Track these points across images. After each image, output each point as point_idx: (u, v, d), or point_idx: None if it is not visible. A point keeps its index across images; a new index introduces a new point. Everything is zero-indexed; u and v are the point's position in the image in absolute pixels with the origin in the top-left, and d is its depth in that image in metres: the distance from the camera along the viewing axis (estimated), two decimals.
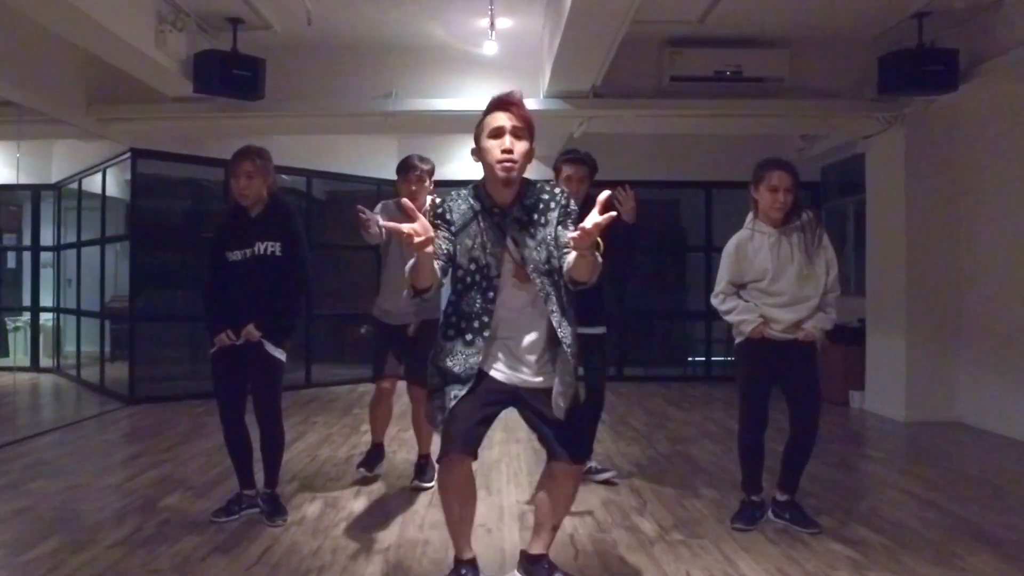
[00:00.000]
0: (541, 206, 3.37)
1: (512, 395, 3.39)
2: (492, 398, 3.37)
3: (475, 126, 3.43)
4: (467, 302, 3.35)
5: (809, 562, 4.08)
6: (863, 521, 4.78)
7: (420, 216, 3.05)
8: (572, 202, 3.42)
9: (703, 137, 10.50)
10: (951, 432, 7.69)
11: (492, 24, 7.22)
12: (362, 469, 5.75)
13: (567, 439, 3.36)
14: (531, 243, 3.32)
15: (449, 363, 3.35)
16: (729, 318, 4.71)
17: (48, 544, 4.28)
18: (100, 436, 7.54)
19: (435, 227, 3.29)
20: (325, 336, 11.86)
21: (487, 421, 3.40)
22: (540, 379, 3.37)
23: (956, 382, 8.24)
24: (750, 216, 4.76)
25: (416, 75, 8.28)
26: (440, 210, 3.39)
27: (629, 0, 5.79)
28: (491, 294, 3.32)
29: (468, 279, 3.36)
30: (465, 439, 3.29)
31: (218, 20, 7.38)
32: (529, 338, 3.37)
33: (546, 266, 3.32)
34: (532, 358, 3.38)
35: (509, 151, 3.26)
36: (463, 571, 3.53)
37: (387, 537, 4.46)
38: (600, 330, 5.40)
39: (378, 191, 10.50)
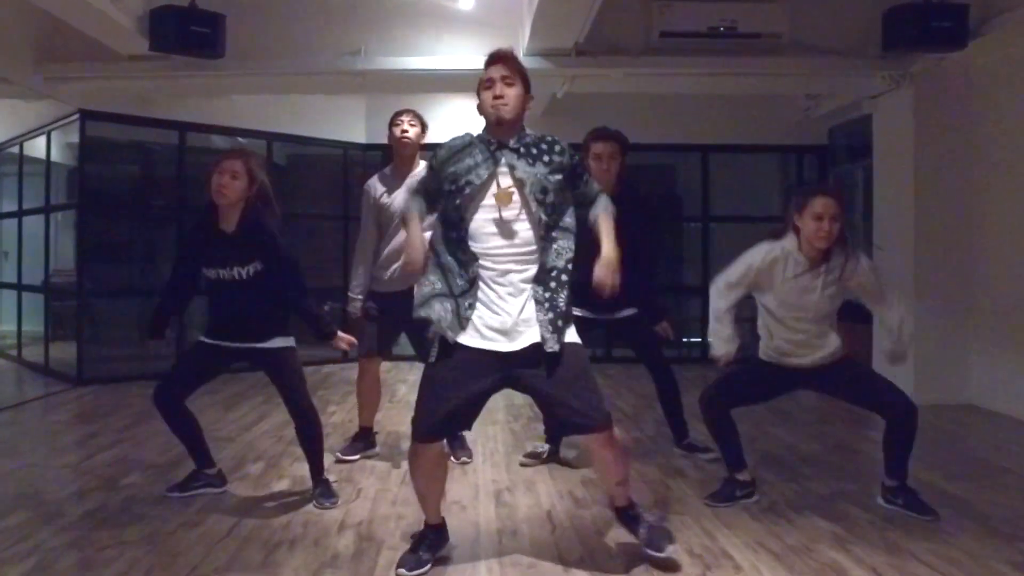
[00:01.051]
0: (543, 147, 4.00)
1: (501, 371, 3.89)
2: (475, 371, 3.87)
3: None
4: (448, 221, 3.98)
5: (791, 536, 4.52)
6: (853, 500, 5.20)
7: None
8: (576, 159, 4.09)
9: (699, 97, 10.78)
10: (962, 414, 8.09)
11: None
12: (338, 454, 6.16)
13: (579, 409, 3.89)
14: (527, 168, 3.92)
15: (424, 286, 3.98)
16: (711, 322, 5.14)
17: (14, 518, 4.71)
18: (49, 417, 7.98)
19: (426, 190, 4.12)
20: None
21: (471, 402, 3.94)
22: (523, 335, 3.87)
23: (968, 362, 8.56)
24: (792, 242, 4.95)
25: (387, 31, 8.60)
26: (430, 162, 4.11)
27: None
28: (469, 208, 3.90)
29: (453, 199, 3.92)
30: (429, 430, 3.98)
31: None
32: (512, 274, 3.91)
33: (540, 195, 3.88)
34: (513, 300, 3.89)
35: (499, 96, 3.90)
36: (428, 535, 4.15)
37: (359, 513, 4.91)
38: (631, 312, 6.00)
39: (344, 155, 10.86)
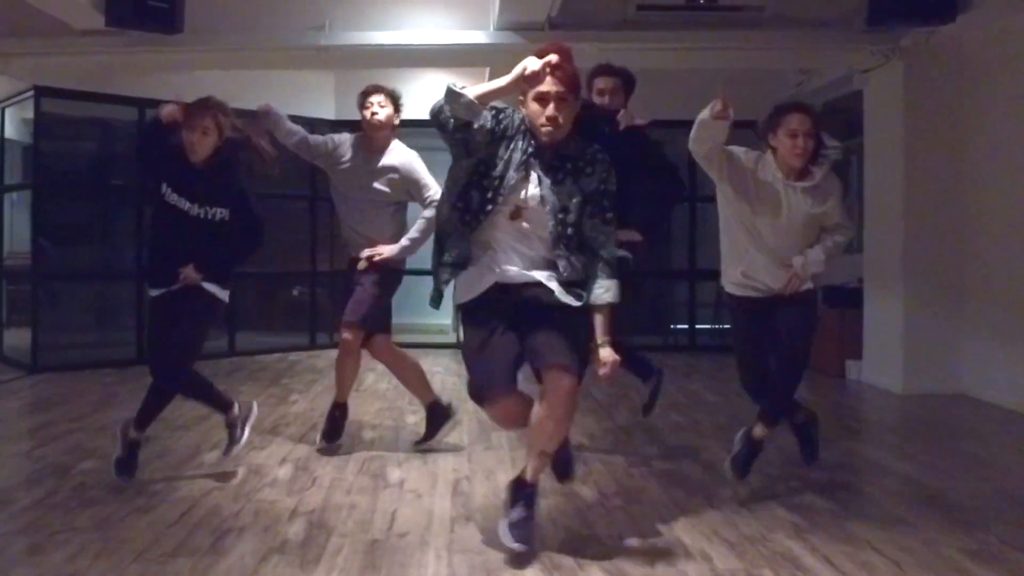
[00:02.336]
0: (580, 163, 4.24)
1: (514, 305, 4.27)
2: (499, 315, 4.28)
3: (519, 75, 4.11)
4: (471, 196, 4.24)
5: (748, 526, 4.80)
6: (818, 490, 5.47)
7: None
8: (611, 180, 4.28)
9: (687, 71, 11.02)
10: (951, 405, 8.40)
11: None
12: (323, 441, 6.44)
13: (552, 344, 4.18)
14: (554, 187, 4.19)
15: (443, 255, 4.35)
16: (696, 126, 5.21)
17: None
18: (2, 405, 8.27)
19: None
20: (252, 299, 12.38)
21: (508, 349, 4.28)
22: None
23: (959, 350, 8.83)
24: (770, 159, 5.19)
25: (352, 4, 8.84)
26: (497, 112, 4.21)
27: None
28: (494, 196, 4.19)
29: (478, 180, 4.22)
30: (498, 381, 4.22)
31: None
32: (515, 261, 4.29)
33: (560, 214, 4.19)
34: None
35: (552, 117, 4.08)
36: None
37: (312, 501, 5.19)
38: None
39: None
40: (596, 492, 5.45)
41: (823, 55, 9.48)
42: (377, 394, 8.61)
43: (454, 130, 4.09)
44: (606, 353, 4.28)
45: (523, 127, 4.22)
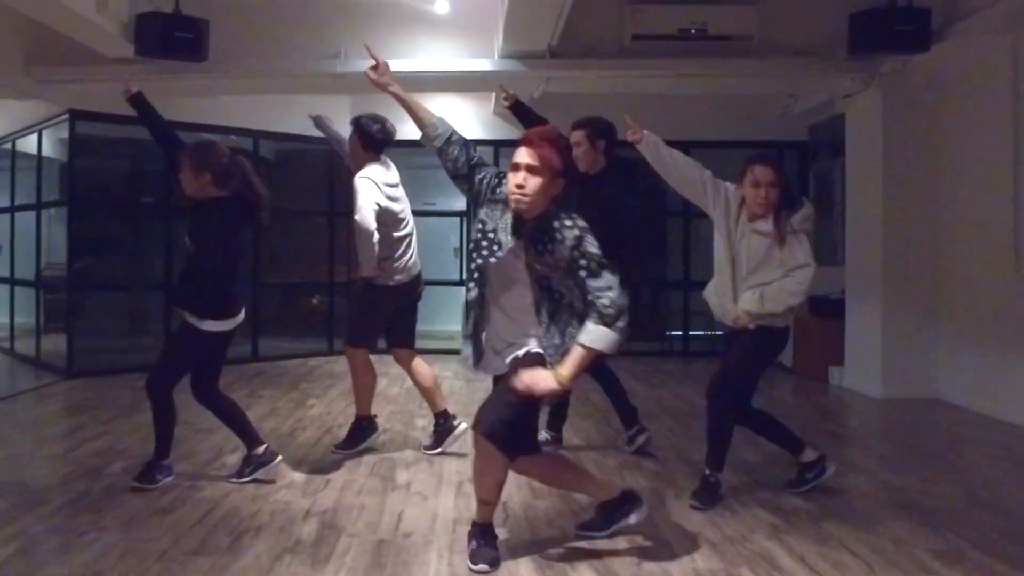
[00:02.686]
0: (550, 233, 4.10)
1: None
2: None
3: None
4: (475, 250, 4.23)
5: (730, 526, 4.85)
6: (798, 492, 5.50)
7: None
8: (584, 244, 4.08)
9: (681, 95, 11.05)
10: (926, 409, 8.41)
11: None
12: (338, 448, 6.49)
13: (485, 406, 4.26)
14: (537, 257, 4.12)
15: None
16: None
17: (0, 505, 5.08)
18: (38, 409, 8.37)
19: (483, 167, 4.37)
20: (275, 307, 12.52)
21: None
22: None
23: (935, 358, 8.90)
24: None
25: (366, 34, 8.77)
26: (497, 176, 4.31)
27: None
28: (493, 249, 4.16)
29: (479, 238, 4.22)
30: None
31: None
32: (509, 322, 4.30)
33: (544, 281, 4.16)
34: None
35: (520, 186, 4.02)
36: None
37: (325, 502, 5.23)
38: None
39: (330, 152, 11.15)
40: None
41: (807, 81, 9.52)
42: (389, 398, 8.63)
43: (453, 178, 4.41)
44: (538, 375, 4.04)
45: (504, 199, 4.21)
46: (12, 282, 11.74)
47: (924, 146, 8.94)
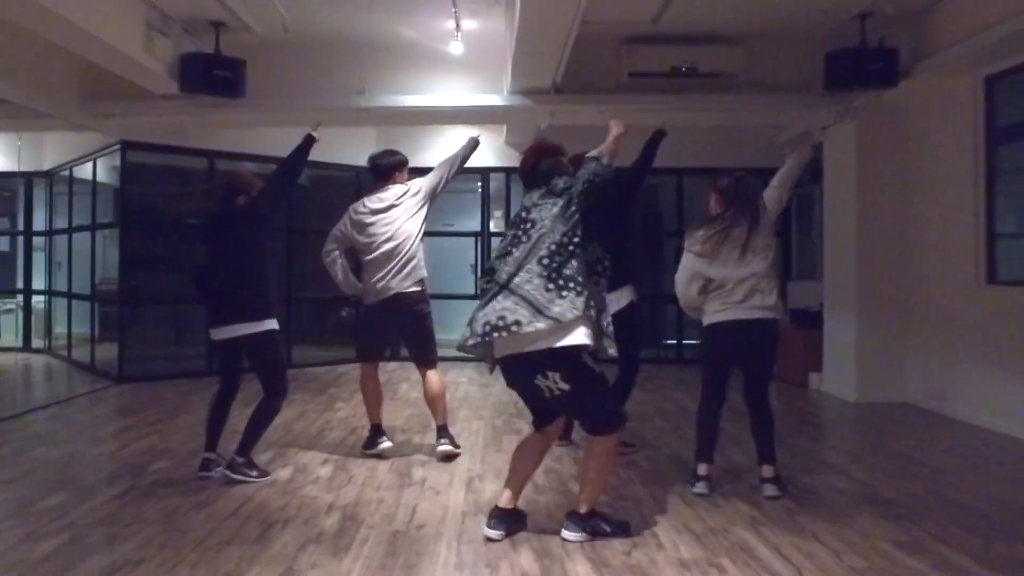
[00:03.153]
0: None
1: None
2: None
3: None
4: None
5: (713, 519, 4.87)
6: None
7: None
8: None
9: (674, 126, 11.07)
10: (897, 412, 8.40)
11: (457, 25, 8.01)
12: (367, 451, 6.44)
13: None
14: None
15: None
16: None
17: (53, 499, 5.16)
18: (92, 411, 8.43)
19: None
20: (307, 319, 12.57)
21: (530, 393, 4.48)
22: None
23: (905, 365, 8.90)
24: None
25: (388, 72, 9.03)
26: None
27: (574, 5, 6.48)
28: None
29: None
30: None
31: (202, 24, 8.12)
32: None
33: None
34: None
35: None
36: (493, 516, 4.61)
37: (347, 496, 5.29)
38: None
39: (357, 178, 11.23)
40: None
41: (787, 114, 9.55)
42: (409, 402, 8.69)
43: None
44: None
45: None
46: (69, 296, 11.84)
47: (894, 172, 8.95)
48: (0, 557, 4.18)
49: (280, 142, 10.99)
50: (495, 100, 8.98)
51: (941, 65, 7.71)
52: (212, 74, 8.02)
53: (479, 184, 12.72)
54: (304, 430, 7.30)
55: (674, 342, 12.62)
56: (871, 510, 5.07)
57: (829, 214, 9.80)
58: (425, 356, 6.38)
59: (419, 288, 6.30)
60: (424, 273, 6.35)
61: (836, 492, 5.51)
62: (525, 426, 6.68)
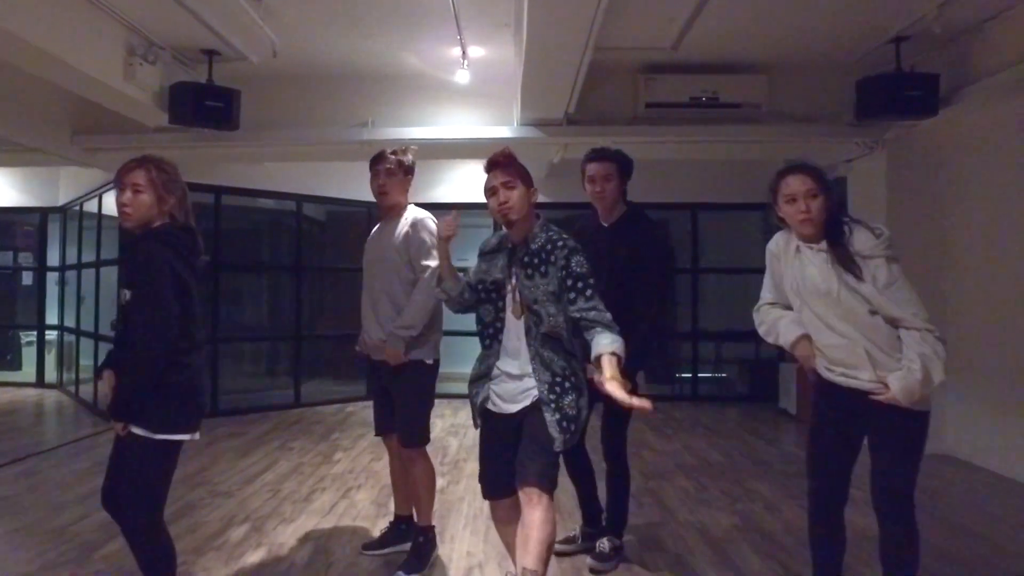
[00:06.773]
0: (544, 253, 3.35)
1: (516, 420, 3.38)
2: (501, 431, 3.41)
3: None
4: (484, 312, 3.51)
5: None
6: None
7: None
8: (574, 261, 3.31)
9: (688, 160, 9.96)
10: (936, 465, 7.04)
11: (464, 53, 6.85)
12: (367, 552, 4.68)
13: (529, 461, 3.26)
14: (527, 282, 3.33)
15: (474, 368, 3.55)
16: (762, 330, 3.64)
17: None
18: (71, 465, 7.01)
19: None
20: (320, 353, 11.47)
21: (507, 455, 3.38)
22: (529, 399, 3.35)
23: (945, 414, 7.51)
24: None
25: (392, 103, 7.84)
26: (482, 246, 3.62)
27: (584, 31, 5.33)
28: (500, 303, 3.45)
29: (484, 294, 3.50)
30: (492, 485, 3.46)
31: (194, 52, 6.99)
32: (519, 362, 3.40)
33: (535, 305, 3.31)
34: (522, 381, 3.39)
35: (504, 201, 3.37)
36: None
37: None
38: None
39: (368, 214, 10.06)
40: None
41: (814, 147, 8.19)
42: (458, 465, 7.36)
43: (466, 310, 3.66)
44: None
45: (498, 244, 3.57)
46: (78, 332, 10.72)
47: (928, 208, 7.64)
48: None
49: (285, 176, 10.03)
50: (504, 132, 7.69)
51: (989, 90, 6.36)
52: (203, 104, 6.81)
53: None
54: (293, 491, 6.00)
55: (689, 375, 11.34)
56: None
57: None
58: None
59: None
60: None
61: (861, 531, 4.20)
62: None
